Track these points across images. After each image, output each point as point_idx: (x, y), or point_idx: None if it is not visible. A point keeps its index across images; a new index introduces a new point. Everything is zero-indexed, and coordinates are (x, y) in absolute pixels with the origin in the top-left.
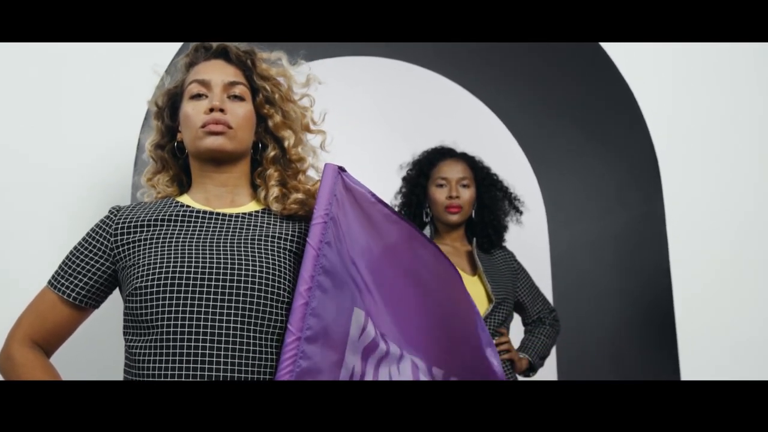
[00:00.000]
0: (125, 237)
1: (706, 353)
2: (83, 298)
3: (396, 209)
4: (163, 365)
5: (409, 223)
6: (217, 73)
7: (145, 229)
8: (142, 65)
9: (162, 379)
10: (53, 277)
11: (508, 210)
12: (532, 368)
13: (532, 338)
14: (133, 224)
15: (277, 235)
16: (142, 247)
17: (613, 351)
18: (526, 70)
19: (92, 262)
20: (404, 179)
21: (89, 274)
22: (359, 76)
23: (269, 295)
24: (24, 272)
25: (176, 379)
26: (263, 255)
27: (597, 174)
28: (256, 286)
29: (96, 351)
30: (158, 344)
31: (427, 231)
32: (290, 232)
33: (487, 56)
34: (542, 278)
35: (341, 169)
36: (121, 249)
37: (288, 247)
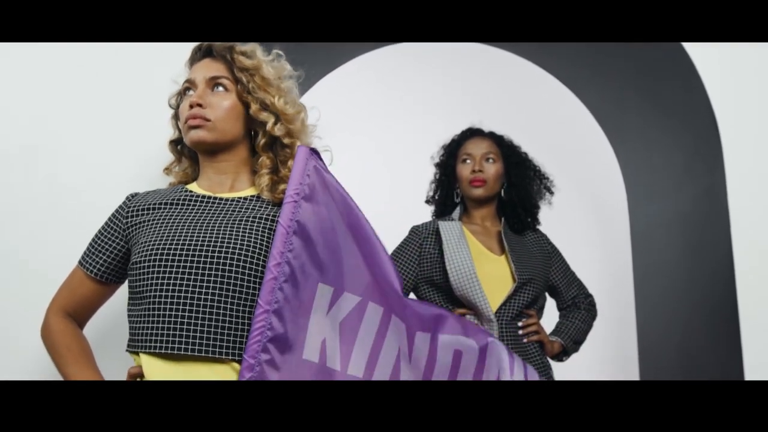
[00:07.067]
0: (135, 219)
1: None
2: (104, 273)
3: (431, 194)
4: (149, 332)
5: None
6: (201, 70)
7: (152, 212)
8: None
9: (147, 347)
10: (82, 256)
11: (539, 190)
12: (565, 352)
13: (566, 322)
14: (143, 208)
15: (263, 216)
16: (146, 228)
17: (683, 335)
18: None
19: (110, 242)
20: (436, 165)
21: (108, 253)
22: (443, 59)
23: (246, 270)
24: None
25: (159, 346)
26: (244, 234)
27: (665, 149)
28: (234, 262)
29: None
30: (145, 313)
31: (457, 211)
32: (276, 214)
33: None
34: (623, 258)
35: (314, 151)
36: (131, 229)
37: (271, 227)
